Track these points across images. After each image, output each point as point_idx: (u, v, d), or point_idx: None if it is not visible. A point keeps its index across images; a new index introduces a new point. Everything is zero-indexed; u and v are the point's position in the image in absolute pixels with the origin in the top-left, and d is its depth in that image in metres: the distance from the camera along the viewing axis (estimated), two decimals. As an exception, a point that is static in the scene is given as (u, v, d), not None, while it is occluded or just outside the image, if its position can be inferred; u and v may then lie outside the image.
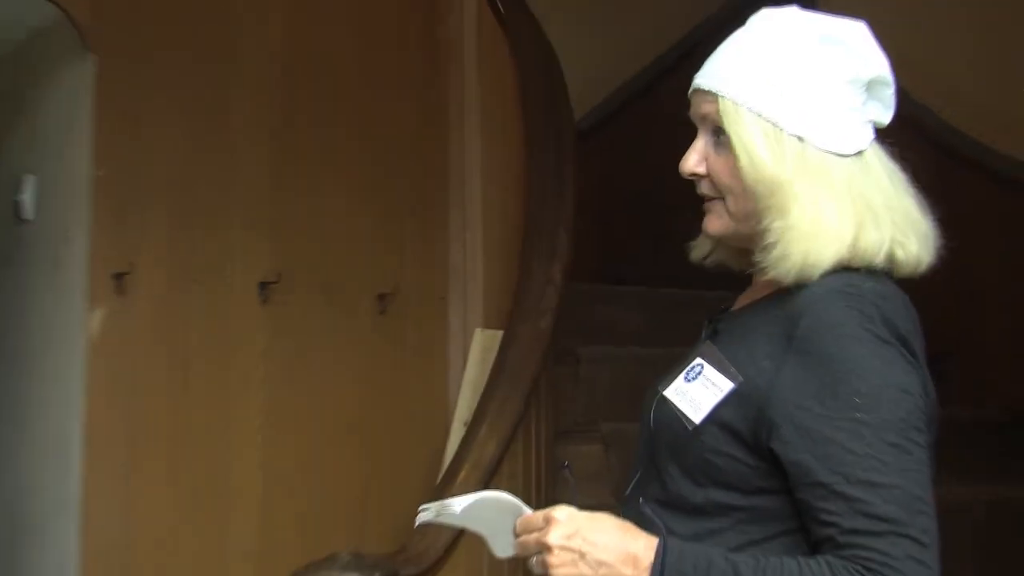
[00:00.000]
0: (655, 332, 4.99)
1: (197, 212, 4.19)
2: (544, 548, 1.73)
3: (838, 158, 1.83)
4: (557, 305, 4.35)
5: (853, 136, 1.86)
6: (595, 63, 6.07)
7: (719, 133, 1.88)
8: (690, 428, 1.81)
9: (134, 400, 4.01)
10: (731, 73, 1.88)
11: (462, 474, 3.86)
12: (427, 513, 1.87)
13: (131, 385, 4.02)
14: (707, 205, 1.94)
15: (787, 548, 1.74)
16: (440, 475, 4.18)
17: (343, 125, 4.54)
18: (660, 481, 1.90)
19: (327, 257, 4.45)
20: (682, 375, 1.90)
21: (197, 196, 4.19)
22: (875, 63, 1.88)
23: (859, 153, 1.85)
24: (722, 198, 1.90)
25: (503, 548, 1.87)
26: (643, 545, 1.71)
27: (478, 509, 1.82)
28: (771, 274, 1.81)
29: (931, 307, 1.89)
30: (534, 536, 1.75)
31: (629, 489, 2.01)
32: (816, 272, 1.78)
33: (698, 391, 1.84)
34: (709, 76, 1.91)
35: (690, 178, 1.94)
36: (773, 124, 1.83)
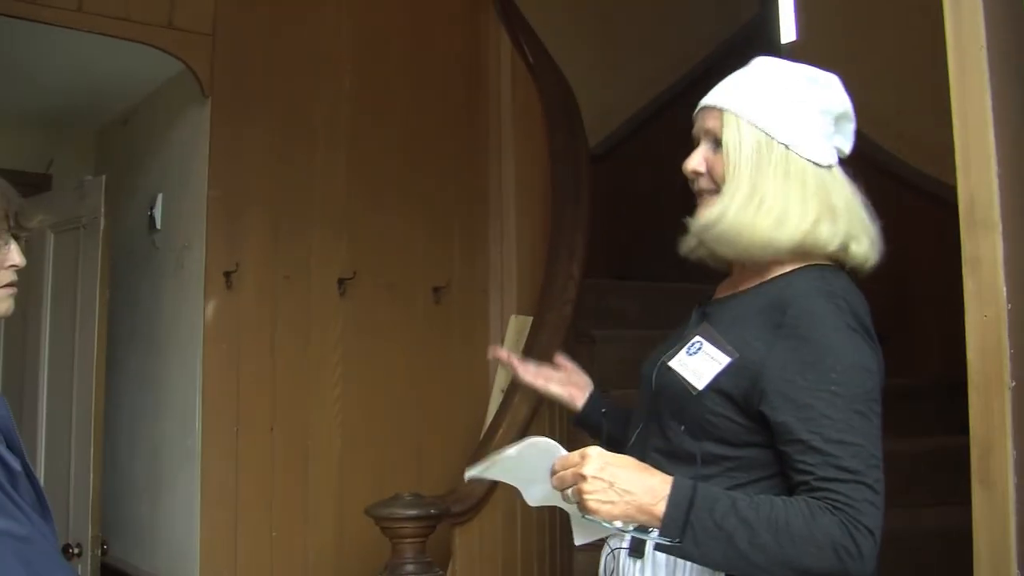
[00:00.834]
0: (651, 318, 4.90)
1: (288, 222, 4.25)
2: (579, 478, 1.71)
3: (814, 166, 1.92)
4: (576, 296, 4.34)
5: (825, 154, 1.95)
6: (605, 100, 5.96)
7: (718, 140, 1.95)
8: (694, 393, 1.86)
9: (239, 374, 4.10)
10: (734, 94, 1.97)
11: (500, 431, 3.85)
12: (477, 468, 1.82)
13: (236, 362, 4.10)
14: (702, 199, 1.99)
15: (766, 490, 1.80)
16: (482, 432, 4.17)
17: (402, 151, 4.57)
18: (662, 434, 1.94)
19: (391, 258, 4.48)
20: (684, 349, 1.93)
21: (287, 209, 4.25)
22: (843, 102, 1.99)
23: (829, 167, 1.95)
24: (717, 191, 1.96)
25: (534, 497, 1.86)
26: (659, 479, 1.74)
27: (526, 455, 1.78)
28: (728, 251, 1.93)
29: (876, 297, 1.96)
30: (571, 470, 1.73)
31: (633, 440, 2.04)
32: (776, 251, 1.89)
33: (699, 363, 1.88)
34: (715, 97, 2.00)
35: (691, 176, 2.00)
36: (765, 133, 1.91)
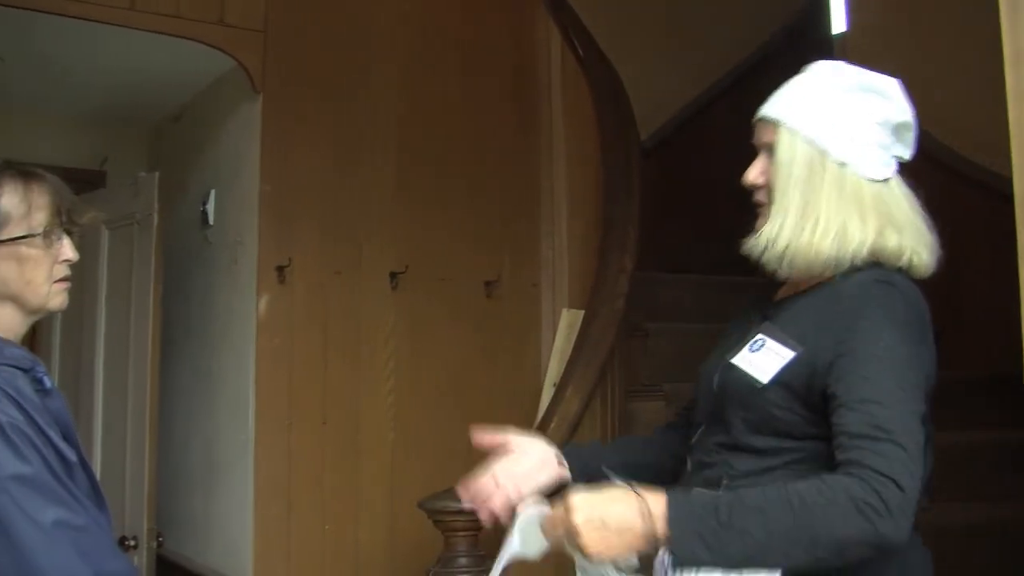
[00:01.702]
0: (704, 310, 4.86)
1: (339, 217, 4.28)
2: (574, 531, 1.66)
3: (870, 182, 1.91)
4: (628, 289, 4.32)
5: (882, 166, 1.93)
6: (656, 92, 5.95)
7: (775, 154, 1.95)
8: (758, 387, 1.86)
9: (292, 368, 4.13)
10: (791, 108, 1.95)
11: (552, 425, 3.83)
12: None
13: (289, 355, 4.14)
14: (760, 210, 1.99)
15: None
16: (534, 426, 4.09)
17: (453, 145, 4.58)
18: (726, 431, 1.93)
19: (442, 252, 4.49)
20: (747, 347, 1.94)
21: (339, 204, 4.29)
22: (903, 111, 1.96)
23: (886, 180, 1.93)
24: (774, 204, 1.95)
25: (537, 552, 1.82)
26: (652, 501, 1.67)
27: (526, 532, 1.79)
28: (786, 271, 1.91)
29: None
30: (562, 526, 1.69)
31: (696, 439, 2.04)
32: (838, 267, 1.88)
33: (763, 359, 1.89)
34: (773, 108, 1.97)
35: (750, 187, 2.00)
36: (821, 151, 1.90)
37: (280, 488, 4.06)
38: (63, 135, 5.13)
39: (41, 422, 1.82)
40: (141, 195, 4.36)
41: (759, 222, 1.98)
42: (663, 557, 1.65)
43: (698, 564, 1.66)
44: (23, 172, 2.00)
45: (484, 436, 2.16)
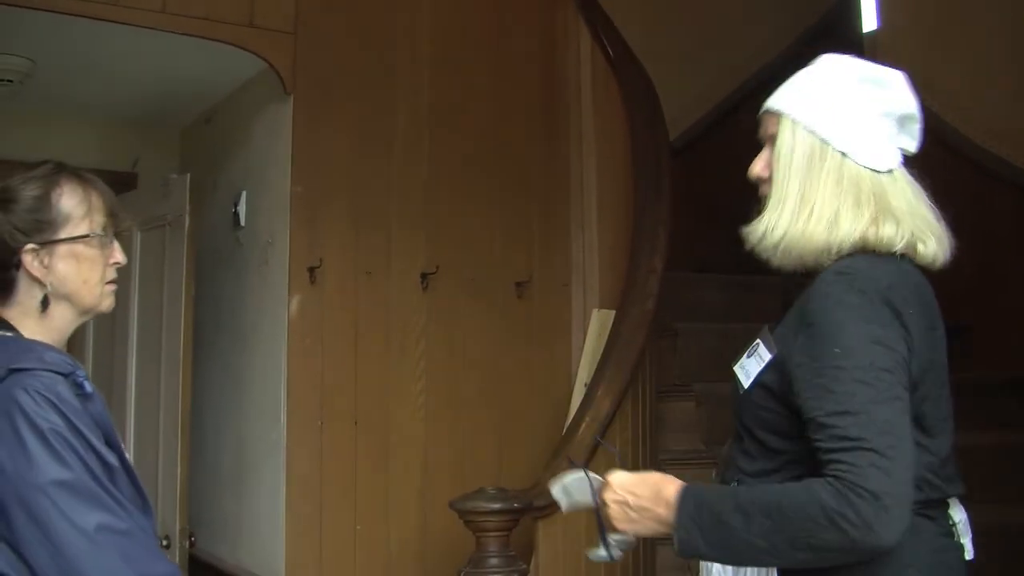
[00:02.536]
0: (734, 310, 4.96)
1: (369, 218, 4.29)
2: (604, 505, 1.90)
3: (871, 172, 1.90)
4: (658, 290, 4.33)
5: (886, 157, 1.92)
6: (685, 92, 5.96)
7: (776, 144, 1.95)
8: (742, 392, 1.93)
9: (323, 368, 4.14)
10: (794, 99, 1.95)
11: (583, 425, 3.86)
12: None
13: (320, 356, 4.14)
14: (764, 204, 1.97)
15: None
16: (565, 427, 4.17)
17: (482, 145, 4.58)
18: (739, 433, 1.98)
19: (473, 253, 4.50)
20: (745, 353, 1.97)
21: (369, 206, 4.29)
22: (907, 103, 1.95)
23: (889, 171, 1.92)
24: None
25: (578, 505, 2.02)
26: (673, 490, 1.82)
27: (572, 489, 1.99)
28: (782, 260, 1.91)
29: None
30: (598, 499, 1.93)
31: (725, 449, 2.11)
32: (838, 254, 1.86)
33: (752, 363, 1.93)
34: (776, 100, 1.99)
35: (755, 181, 2.00)
36: (823, 140, 1.89)
37: (311, 488, 4.07)
38: (95, 137, 5.16)
39: (82, 427, 1.83)
40: (172, 196, 4.38)
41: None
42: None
43: (698, 555, 1.82)
44: (78, 174, 2.03)
45: None
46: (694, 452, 4.45)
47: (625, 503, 1.86)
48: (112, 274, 2.08)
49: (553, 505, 3.60)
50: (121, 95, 4.81)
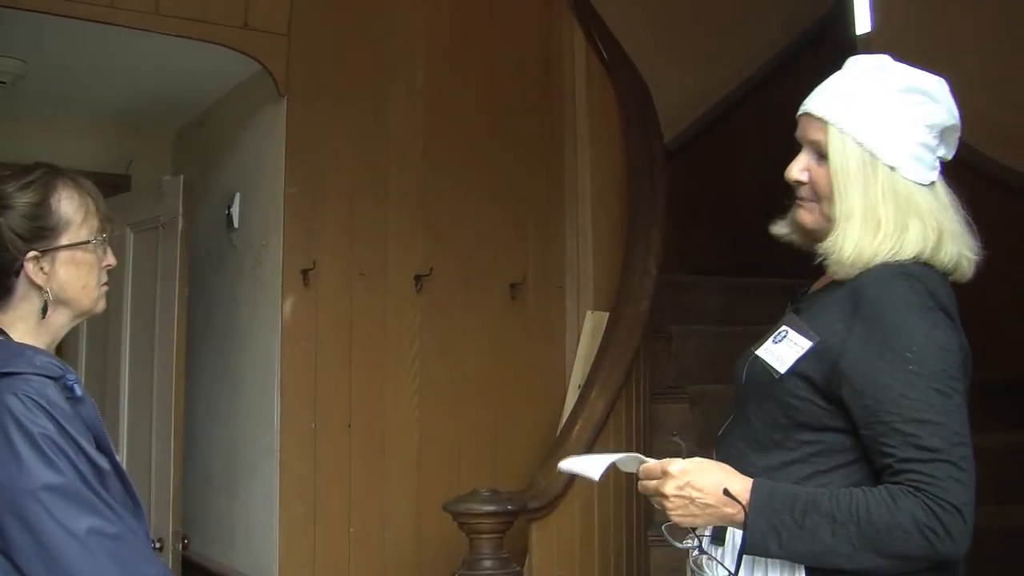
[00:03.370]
0: (728, 312, 4.97)
1: (363, 220, 4.28)
2: (661, 496, 1.84)
3: (919, 187, 1.90)
4: (653, 292, 4.33)
5: (928, 170, 1.92)
6: (680, 95, 5.96)
7: (823, 152, 1.93)
8: (776, 377, 1.89)
9: (317, 371, 4.13)
10: (839, 106, 1.92)
11: (576, 428, 3.85)
12: (566, 468, 2.00)
13: (314, 359, 4.14)
14: (802, 203, 1.99)
15: (846, 477, 1.83)
16: (559, 429, 4.17)
17: (477, 149, 4.58)
18: (746, 423, 1.97)
19: (467, 254, 4.50)
20: (771, 339, 1.96)
21: (363, 207, 4.28)
22: (952, 115, 1.95)
23: (932, 184, 1.92)
24: (817, 201, 1.96)
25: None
26: (740, 487, 1.80)
27: (620, 462, 1.93)
28: (848, 272, 1.88)
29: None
30: (653, 484, 1.86)
31: (722, 430, 2.08)
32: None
33: (783, 349, 1.91)
34: (820, 106, 1.95)
35: (793, 184, 2.00)
36: (871, 154, 1.88)
37: (305, 490, 4.06)
38: (89, 139, 5.14)
39: (72, 431, 1.82)
40: (166, 198, 4.38)
41: (801, 214, 2.00)
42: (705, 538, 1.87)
43: (767, 555, 1.80)
44: (72, 177, 2.03)
45: None
46: (688, 455, 4.43)
47: (689, 499, 1.82)
48: (105, 276, 2.09)
49: (547, 507, 3.67)
50: (114, 97, 4.80)
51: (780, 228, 2.10)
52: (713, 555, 1.93)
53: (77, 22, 3.80)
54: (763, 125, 5.39)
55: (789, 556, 1.79)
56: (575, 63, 4.87)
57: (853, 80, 1.96)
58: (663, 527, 1.94)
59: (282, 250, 4.11)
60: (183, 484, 4.25)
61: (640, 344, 4.21)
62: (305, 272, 4.11)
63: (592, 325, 4.57)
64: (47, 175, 2.00)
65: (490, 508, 3.46)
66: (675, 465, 1.85)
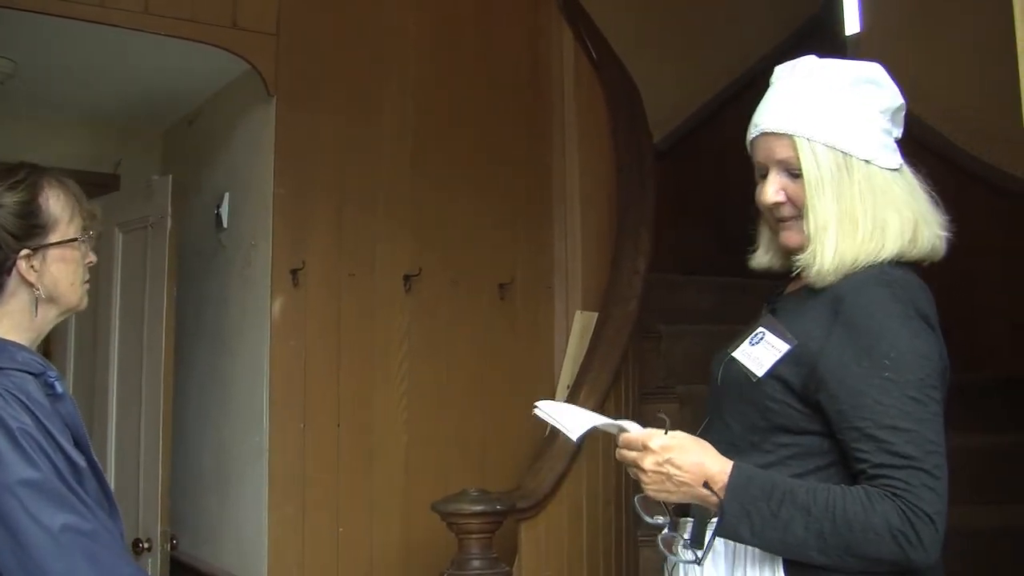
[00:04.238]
0: (718, 312, 4.96)
1: (352, 220, 4.28)
2: (639, 469, 1.85)
3: (892, 173, 1.90)
4: (642, 291, 4.32)
5: (892, 154, 1.93)
6: (669, 95, 5.97)
7: (793, 168, 1.91)
8: (754, 380, 1.89)
9: (306, 371, 4.13)
10: (799, 116, 1.90)
11: None
12: (542, 414, 1.99)
13: (303, 359, 4.13)
14: (786, 224, 1.96)
15: (823, 480, 1.82)
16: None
17: (467, 148, 4.58)
18: (723, 425, 1.98)
19: (456, 255, 4.50)
20: (747, 340, 1.95)
21: (352, 207, 4.29)
22: (897, 94, 1.95)
23: (899, 168, 1.93)
24: (800, 217, 1.92)
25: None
26: (718, 468, 1.81)
27: (602, 426, 1.94)
28: (833, 279, 1.86)
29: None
30: (632, 456, 1.87)
31: (699, 432, 2.03)
32: (881, 262, 1.86)
33: (761, 352, 1.90)
34: (779, 120, 1.93)
35: (768, 209, 1.97)
36: (844, 153, 1.88)
37: (294, 490, 4.06)
38: (77, 138, 5.15)
39: (51, 427, 1.84)
40: (155, 198, 4.38)
41: (787, 236, 1.97)
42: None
43: (737, 539, 1.81)
44: (57, 176, 2.06)
45: None
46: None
47: (666, 475, 1.83)
48: (87, 274, 2.11)
49: (536, 507, 3.67)
50: (103, 96, 4.80)
51: (760, 259, 2.10)
52: (682, 535, 1.94)
53: (66, 21, 3.80)
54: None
55: (760, 544, 1.80)
56: (563, 63, 4.88)
57: (799, 88, 1.95)
58: (635, 498, 1.96)
59: (271, 250, 4.11)
60: (172, 484, 4.25)
61: (629, 344, 4.20)
62: (294, 272, 4.11)
63: (581, 325, 4.57)
64: (33, 174, 2.02)
65: (479, 508, 3.46)
66: (656, 440, 1.86)
